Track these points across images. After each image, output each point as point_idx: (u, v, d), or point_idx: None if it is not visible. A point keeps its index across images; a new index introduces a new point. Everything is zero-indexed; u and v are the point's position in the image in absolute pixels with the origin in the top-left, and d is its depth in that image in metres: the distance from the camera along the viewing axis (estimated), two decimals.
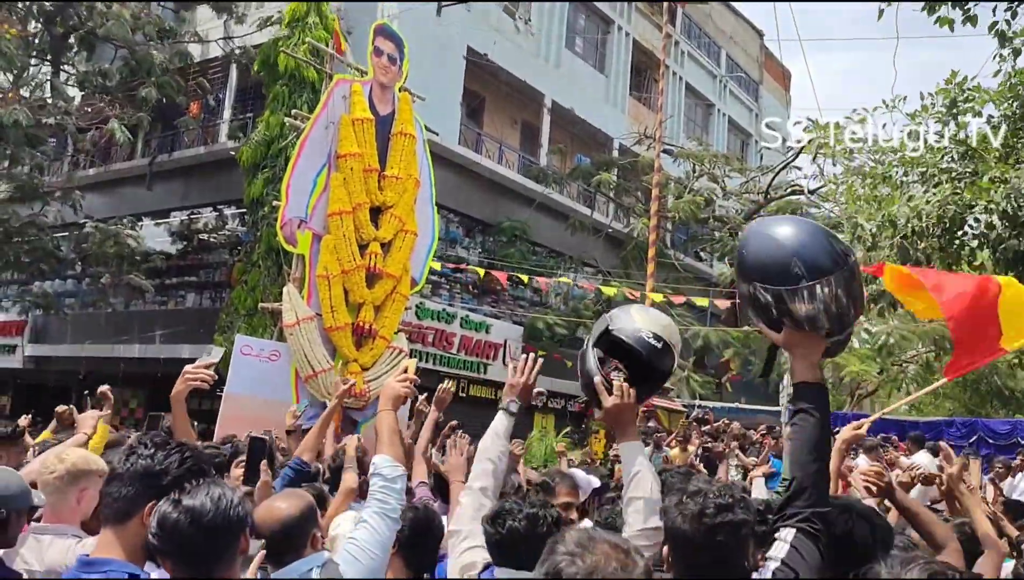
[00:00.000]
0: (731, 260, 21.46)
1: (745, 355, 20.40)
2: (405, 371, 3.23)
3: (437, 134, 15.94)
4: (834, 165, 12.70)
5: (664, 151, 24.23)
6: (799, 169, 24.64)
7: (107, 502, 2.33)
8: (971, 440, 15.31)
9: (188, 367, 3.85)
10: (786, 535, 2.12)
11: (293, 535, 2.68)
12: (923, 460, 9.70)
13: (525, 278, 16.69)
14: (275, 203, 10.97)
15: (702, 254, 26.68)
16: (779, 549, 2.10)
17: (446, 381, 5.91)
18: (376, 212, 11.13)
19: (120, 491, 2.29)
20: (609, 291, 16.77)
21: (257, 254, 13.12)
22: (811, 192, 21.19)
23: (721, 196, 22.98)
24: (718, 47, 33.08)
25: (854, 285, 2.23)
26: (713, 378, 22.27)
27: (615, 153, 25.53)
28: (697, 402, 16.73)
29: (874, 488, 3.05)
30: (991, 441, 15.17)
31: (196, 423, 5.40)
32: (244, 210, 16.41)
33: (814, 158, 19.17)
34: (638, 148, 24.08)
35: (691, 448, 10.36)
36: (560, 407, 19.89)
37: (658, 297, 15.66)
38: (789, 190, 22.14)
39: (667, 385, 16.56)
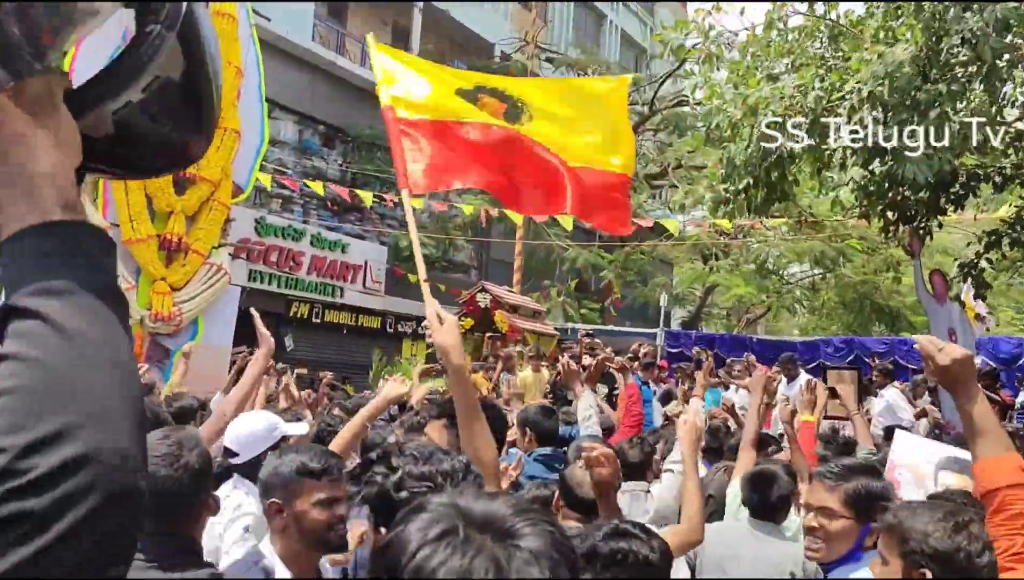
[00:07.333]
0: None
1: (625, 277, 19.59)
2: None
3: (269, 20, 13.98)
4: (717, 69, 11.49)
5: (547, 60, 22.85)
6: (685, 78, 23.38)
7: None
8: (848, 359, 14.93)
9: None
10: None
11: None
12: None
13: (369, 198, 14.93)
14: None
15: None
16: None
17: None
18: None
19: None
20: (466, 209, 15.42)
21: None
22: (697, 103, 20.03)
23: None
24: None
25: None
26: (597, 302, 21.46)
27: (496, 60, 23.91)
28: (569, 325, 15.74)
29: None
30: (868, 360, 14.79)
31: None
32: None
33: (681, 64, 17.70)
34: (521, 56, 22.55)
35: (544, 372, 9.24)
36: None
37: (518, 217, 14.44)
38: (675, 100, 21.04)
39: (540, 307, 15.52)
